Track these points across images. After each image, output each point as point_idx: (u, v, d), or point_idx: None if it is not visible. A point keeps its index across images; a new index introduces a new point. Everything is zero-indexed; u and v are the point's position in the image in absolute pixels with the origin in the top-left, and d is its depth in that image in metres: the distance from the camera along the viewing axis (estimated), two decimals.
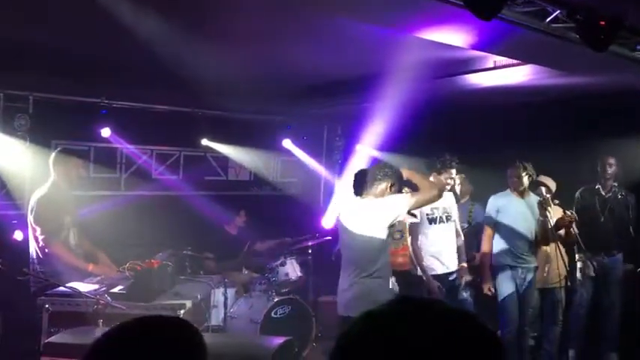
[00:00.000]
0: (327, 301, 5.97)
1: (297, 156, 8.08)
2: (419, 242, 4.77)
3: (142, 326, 1.25)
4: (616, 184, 5.27)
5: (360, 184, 3.99)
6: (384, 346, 0.81)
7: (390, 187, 3.91)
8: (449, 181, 4.92)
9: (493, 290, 4.99)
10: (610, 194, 5.25)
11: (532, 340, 5.14)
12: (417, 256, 4.71)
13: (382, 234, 3.83)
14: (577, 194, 5.36)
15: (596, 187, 5.31)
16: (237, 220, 6.66)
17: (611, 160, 5.20)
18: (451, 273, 4.83)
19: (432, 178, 4.92)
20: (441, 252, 4.78)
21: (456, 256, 4.92)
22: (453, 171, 4.92)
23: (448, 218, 4.95)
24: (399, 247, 5.26)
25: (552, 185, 5.09)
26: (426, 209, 4.77)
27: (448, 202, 5.04)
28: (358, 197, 4.00)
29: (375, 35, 4.33)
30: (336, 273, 4.12)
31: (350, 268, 3.92)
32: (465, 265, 5.02)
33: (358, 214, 3.91)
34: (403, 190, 4.15)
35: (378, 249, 3.83)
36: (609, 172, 5.19)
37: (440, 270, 4.75)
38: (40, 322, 3.90)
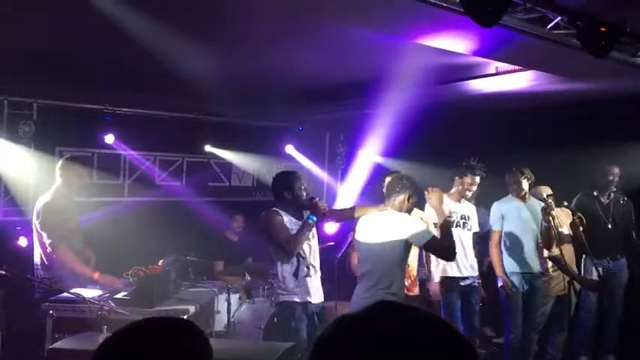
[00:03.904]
0: (330, 306, 5.95)
1: (300, 162, 8.08)
2: None
3: (148, 328, 1.27)
4: (615, 190, 5.27)
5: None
6: (353, 348, 0.83)
7: (408, 198, 3.79)
8: (472, 187, 4.82)
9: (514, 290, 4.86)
10: (609, 201, 5.26)
11: (536, 346, 5.12)
12: (427, 259, 4.70)
13: (400, 248, 3.70)
14: (575, 201, 5.31)
15: (595, 193, 5.30)
16: (234, 225, 6.51)
17: (616, 170, 5.19)
18: (465, 278, 4.80)
19: (455, 183, 4.86)
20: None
21: (474, 262, 4.89)
22: (477, 178, 4.80)
23: (465, 225, 4.86)
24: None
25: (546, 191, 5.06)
26: None
27: (468, 211, 4.95)
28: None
29: (378, 41, 4.36)
30: (339, 279, 4.07)
31: (364, 280, 3.79)
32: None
33: (376, 225, 3.80)
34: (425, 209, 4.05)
35: (394, 262, 3.71)
36: (615, 181, 5.19)
37: (452, 273, 4.72)
38: (44, 328, 3.91)
